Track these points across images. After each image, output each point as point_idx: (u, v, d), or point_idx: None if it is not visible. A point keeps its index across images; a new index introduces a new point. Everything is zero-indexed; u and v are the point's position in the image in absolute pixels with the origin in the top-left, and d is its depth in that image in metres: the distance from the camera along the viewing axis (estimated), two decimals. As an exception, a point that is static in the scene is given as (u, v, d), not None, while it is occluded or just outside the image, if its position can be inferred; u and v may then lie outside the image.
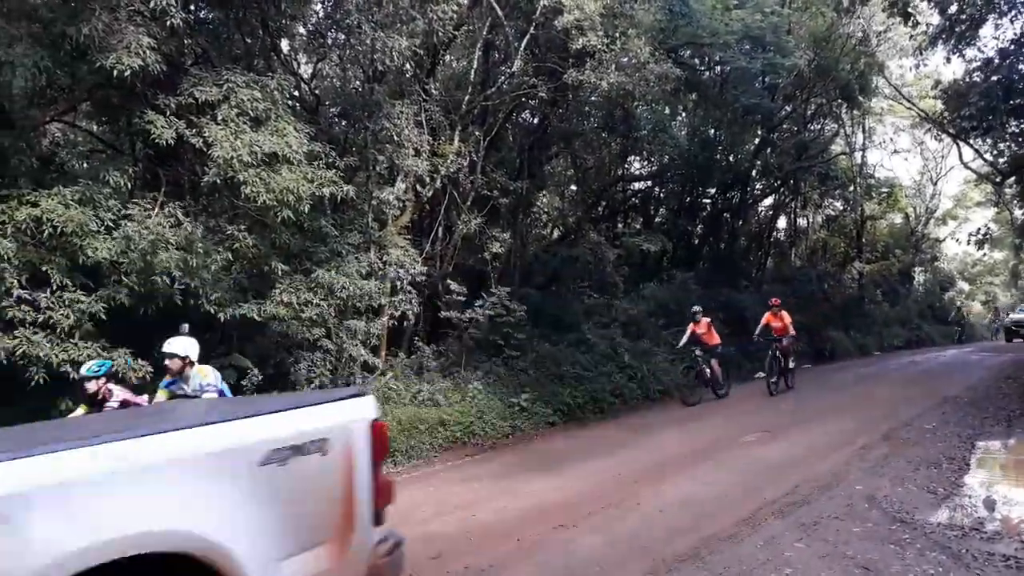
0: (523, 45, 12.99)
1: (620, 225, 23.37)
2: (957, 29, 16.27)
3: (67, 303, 7.49)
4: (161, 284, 7.71)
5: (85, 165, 9.67)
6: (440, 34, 11.69)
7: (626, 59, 12.95)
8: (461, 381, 12.01)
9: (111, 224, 7.65)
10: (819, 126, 25.56)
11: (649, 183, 23.57)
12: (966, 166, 27.42)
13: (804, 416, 11.70)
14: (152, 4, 7.48)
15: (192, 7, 9.49)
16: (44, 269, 7.46)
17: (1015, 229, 23.79)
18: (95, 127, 11.21)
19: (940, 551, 5.37)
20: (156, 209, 8.09)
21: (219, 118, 8.23)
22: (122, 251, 7.50)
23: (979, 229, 24.38)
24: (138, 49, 7.41)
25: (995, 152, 20.27)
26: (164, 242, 7.63)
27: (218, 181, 8.09)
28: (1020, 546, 5.47)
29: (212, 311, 8.32)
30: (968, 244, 25.30)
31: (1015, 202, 23.72)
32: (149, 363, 7.64)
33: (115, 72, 7.34)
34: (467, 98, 13.43)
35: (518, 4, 13.46)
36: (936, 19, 16.81)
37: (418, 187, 12.68)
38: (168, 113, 8.10)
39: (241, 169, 7.97)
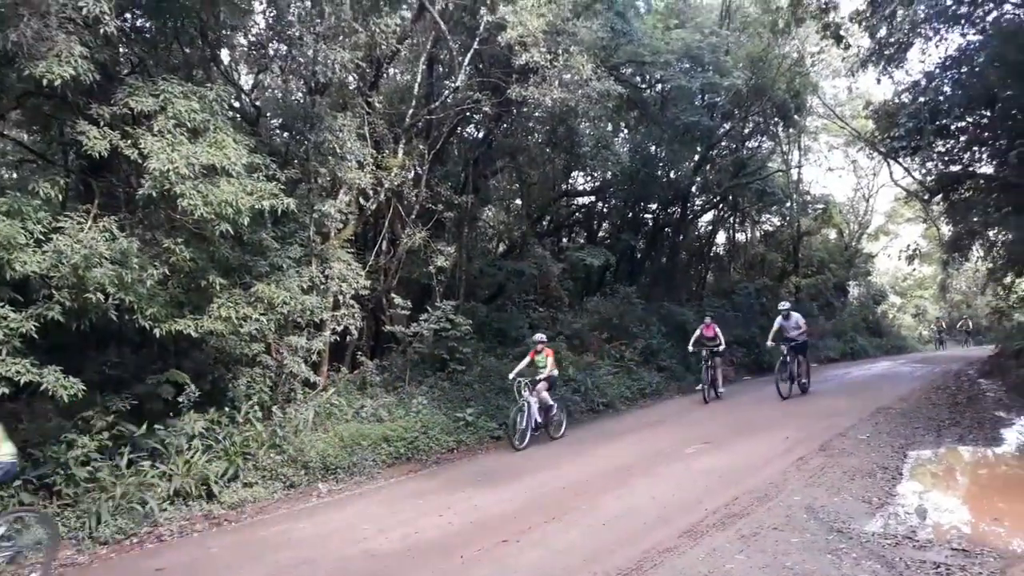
0: (467, 60, 13.02)
1: (564, 239, 23.60)
2: (886, 52, 16.83)
3: (-7, 319, 7.19)
4: (95, 299, 7.44)
5: (14, 176, 9.36)
6: (383, 47, 11.65)
7: (569, 76, 13.08)
8: (405, 396, 11.94)
9: (41, 237, 7.38)
10: (756, 144, 26.12)
11: (592, 198, 23.83)
12: (896, 184, 28.33)
13: (743, 428, 11.89)
14: (85, 11, 7.25)
15: (128, 15, 9.25)
16: (-32, 283, 7.17)
17: (943, 245, 24.62)
18: (25, 136, 10.86)
19: (875, 560, 5.51)
20: (89, 222, 7.82)
21: (155, 129, 8.01)
22: (53, 265, 7.23)
23: (909, 245, 25.18)
24: (70, 57, 7.18)
25: (923, 171, 20.95)
26: (98, 256, 7.37)
27: (154, 194, 7.86)
28: (950, 553, 5.65)
29: (147, 326, 8.07)
30: (899, 259, 26.12)
31: (942, 219, 24.55)
32: (80, 381, 7.37)
33: (45, 81, 7.10)
34: (411, 111, 13.39)
35: (462, 19, 13.50)
36: (867, 42, 17.36)
37: (361, 200, 12.58)
38: (102, 123, 7.86)
39: (178, 181, 7.76)
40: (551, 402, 11.59)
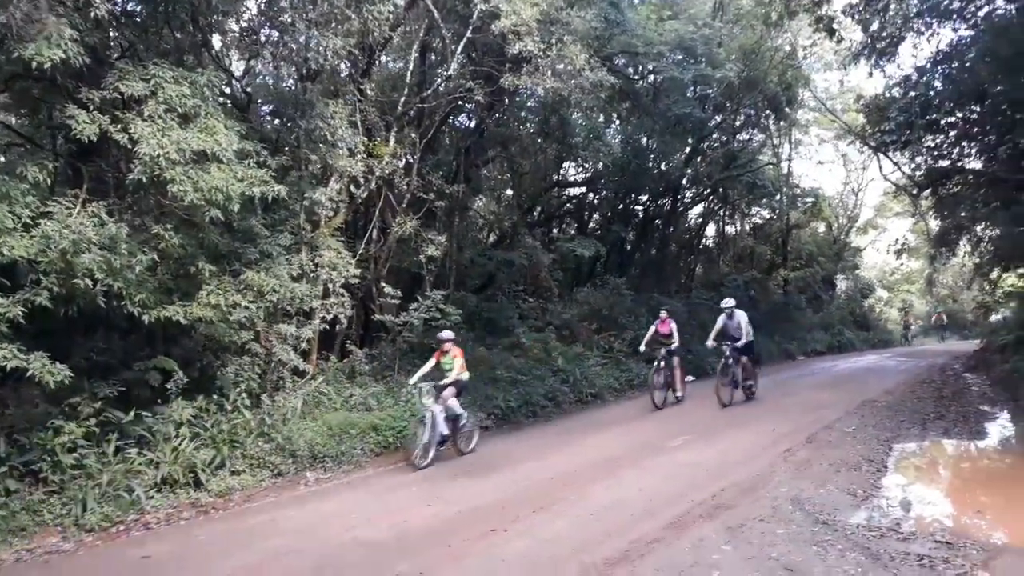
0: (460, 48, 12.96)
1: (555, 230, 23.56)
2: (878, 46, 16.89)
3: (-21, 304, 7.14)
4: (83, 285, 7.40)
5: (2, 159, 9.27)
6: (376, 34, 11.57)
7: (562, 65, 13.02)
8: (394, 385, 11.91)
9: (29, 222, 7.32)
10: (747, 136, 26.15)
11: (583, 189, 23.82)
12: (885, 178, 28.50)
13: (731, 420, 11.98)
14: (75, -6, 7.21)
15: (118, -1, 9.17)
16: (-47, 267, 7.11)
17: (931, 240, 24.79)
18: (13, 120, 10.75)
19: (859, 552, 5.57)
20: (78, 207, 7.76)
21: (146, 114, 7.94)
22: (41, 250, 7.17)
23: (897, 239, 25.38)
24: (59, 40, 7.10)
25: (913, 165, 21.06)
26: (86, 241, 7.32)
27: (144, 179, 7.80)
28: (934, 545, 5.71)
29: (136, 313, 8.03)
30: (887, 253, 26.29)
31: (931, 214, 24.71)
32: (67, 367, 7.34)
33: (34, 63, 7.02)
34: (403, 100, 13.34)
35: (455, 7, 13.42)
36: (859, 36, 17.42)
37: (352, 188, 12.52)
38: (91, 108, 7.78)
39: (168, 167, 7.71)
40: (459, 411, 10.18)
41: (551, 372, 14.48)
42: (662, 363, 13.71)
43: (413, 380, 10.03)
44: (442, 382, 10.00)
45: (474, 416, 10.94)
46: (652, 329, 14.26)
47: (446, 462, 9.69)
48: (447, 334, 10.55)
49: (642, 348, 14.42)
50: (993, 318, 32.30)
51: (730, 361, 13.53)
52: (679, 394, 14.07)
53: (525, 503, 7.41)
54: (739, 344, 13.51)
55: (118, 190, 8.69)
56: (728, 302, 14.03)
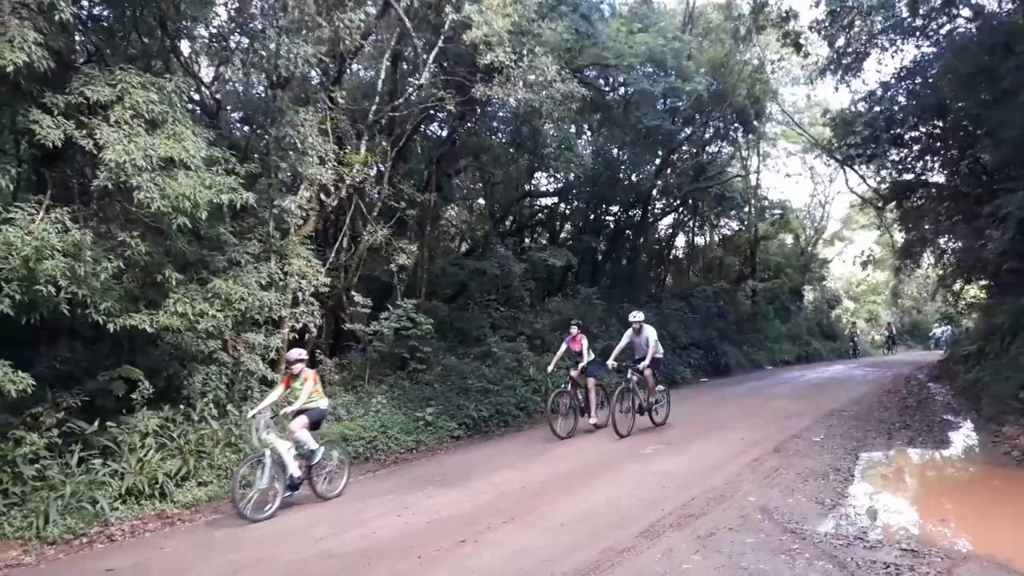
0: (432, 58, 12.95)
1: (527, 240, 23.65)
2: (844, 61, 17.24)
3: (-63, 311, 6.98)
4: (45, 292, 7.25)
5: (-39, 164, 9.08)
6: (347, 42, 11.53)
7: (533, 76, 13.08)
8: (364, 395, 11.86)
9: (-10, 228, 7.18)
10: (717, 149, 26.51)
11: (555, 199, 23.97)
12: (852, 191, 28.94)
13: (701, 429, 12.04)
14: (39, -3, 7.10)
15: (84, 2, 9.04)
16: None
17: (895, 252, 25.24)
18: (-26, 124, 10.53)
19: (827, 560, 5.61)
20: (41, 213, 7.62)
21: (112, 119, 7.83)
22: (2, 257, 7.03)
23: (863, 251, 25.78)
24: (23, 43, 6.99)
25: (878, 178, 21.53)
26: (49, 248, 7.19)
27: (109, 185, 7.68)
28: (900, 553, 5.77)
29: (101, 321, 7.91)
30: (853, 265, 26.67)
31: (895, 226, 25.16)
32: (30, 376, 7.18)
33: (-3, 67, 6.91)
34: (375, 108, 13.29)
35: (427, 17, 13.43)
36: (826, 51, 17.77)
37: (322, 196, 12.44)
38: (56, 112, 7.65)
39: (135, 173, 7.60)
40: (312, 445, 8.37)
41: (523, 382, 14.48)
42: (569, 384, 12.14)
43: (251, 414, 8.25)
44: (287, 410, 8.23)
45: (341, 450, 9.12)
46: (563, 346, 12.44)
47: (407, 470, 9.60)
48: (296, 353, 8.63)
49: (550, 369, 12.50)
50: (939, 329, 33.08)
51: (632, 384, 11.82)
52: (594, 420, 12.10)
53: (496, 513, 7.38)
54: (641, 364, 11.81)
55: (83, 196, 8.53)
56: (636, 315, 12.19)
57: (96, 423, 8.18)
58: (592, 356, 12.27)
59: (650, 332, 12.01)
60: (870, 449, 10.21)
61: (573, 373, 12.17)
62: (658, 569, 5.58)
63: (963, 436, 11.38)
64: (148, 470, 8.15)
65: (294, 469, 8.10)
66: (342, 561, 6.20)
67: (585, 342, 12.20)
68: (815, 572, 5.40)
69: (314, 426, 8.56)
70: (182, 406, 9.22)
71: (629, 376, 11.83)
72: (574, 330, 12.40)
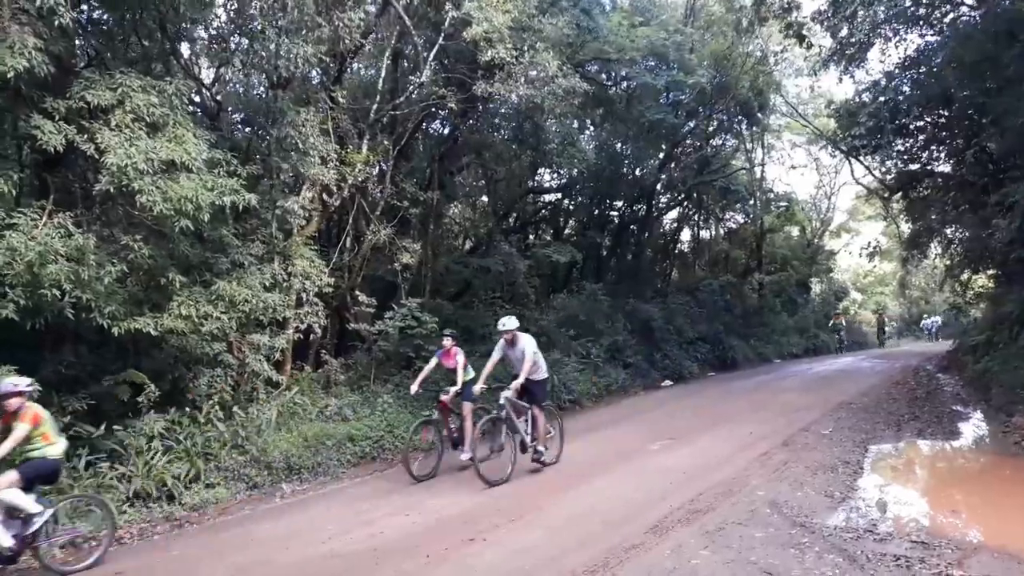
0: (432, 55, 12.92)
1: (531, 236, 23.62)
2: (847, 52, 17.10)
3: (-58, 317, 6.99)
4: (50, 297, 7.26)
5: (-36, 171, 9.09)
6: (347, 42, 11.49)
7: (534, 72, 13.04)
8: (370, 395, 11.84)
9: (-7, 234, 7.18)
10: (721, 141, 26.32)
11: (559, 195, 23.93)
12: (857, 182, 28.72)
13: (707, 424, 12.00)
14: (39, 2, 7.07)
15: (84, 7, 9.01)
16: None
17: (902, 243, 25.10)
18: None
19: (837, 553, 5.58)
20: (44, 218, 7.64)
21: (113, 123, 7.83)
22: (6, 262, 7.03)
23: (870, 242, 25.65)
24: (23, 49, 6.99)
25: (883, 169, 21.34)
26: (53, 253, 7.20)
27: (112, 189, 7.69)
28: (910, 546, 5.74)
29: (105, 325, 7.91)
30: (860, 256, 26.51)
31: (902, 217, 25.03)
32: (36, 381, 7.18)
33: (-3, 73, 6.90)
34: (376, 107, 13.25)
35: (427, 14, 13.40)
36: (828, 42, 17.61)
37: (325, 196, 12.43)
38: (57, 117, 7.66)
39: (136, 177, 7.60)
40: (31, 508, 6.21)
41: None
42: (437, 413, 9.84)
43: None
44: None
45: (104, 511, 6.94)
46: (432, 362, 10.01)
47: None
48: (8, 384, 6.26)
49: (414, 390, 9.80)
50: (926, 321, 32.67)
51: (503, 413, 8.94)
52: (466, 454, 9.36)
53: (503, 511, 7.36)
54: (514, 383, 8.92)
55: (85, 201, 8.54)
56: (507, 322, 9.35)
57: (102, 427, 8.19)
58: (471, 375, 9.81)
59: (527, 343, 9.26)
60: (879, 441, 10.18)
61: (444, 397, 9.62)
62: (667, 565, 5.56)
63: (973, 427, 11.33)
64: (155, 473, 8.17)
65: (4, 537, 6.05)
66: (349, 561, 6.20)
67: (461, 358, 9.76)
68: (825, 566, 5.37)
69: (43, 481, 6.52)
70: (188, 409, 9.22)
71: (501, 403, 8.96)
72: (447, 342, 9.92)
